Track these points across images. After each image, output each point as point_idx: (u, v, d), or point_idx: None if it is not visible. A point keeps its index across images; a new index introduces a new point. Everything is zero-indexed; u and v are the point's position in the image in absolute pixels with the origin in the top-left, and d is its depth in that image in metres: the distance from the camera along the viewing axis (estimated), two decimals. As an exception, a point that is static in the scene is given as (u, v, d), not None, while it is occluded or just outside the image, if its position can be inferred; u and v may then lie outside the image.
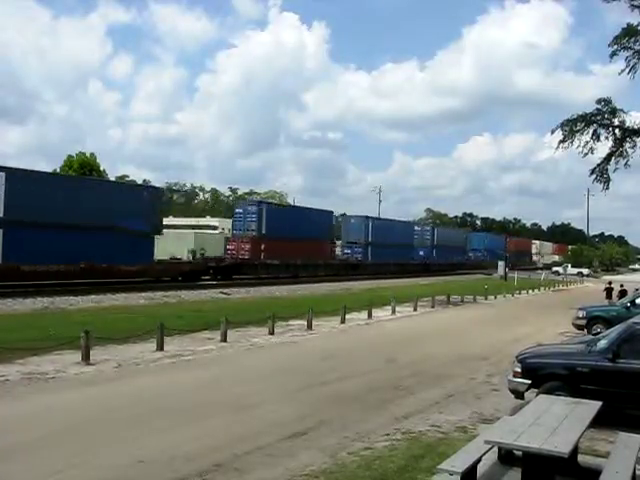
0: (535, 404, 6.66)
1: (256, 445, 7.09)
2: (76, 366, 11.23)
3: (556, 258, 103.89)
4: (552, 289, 46.34)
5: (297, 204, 64.83)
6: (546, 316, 24.32)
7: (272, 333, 16.20)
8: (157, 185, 58.85)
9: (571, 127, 29.75)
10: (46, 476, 6.00)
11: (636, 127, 29.30)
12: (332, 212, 50.98)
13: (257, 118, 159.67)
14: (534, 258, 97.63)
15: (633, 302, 18.37)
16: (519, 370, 8.89)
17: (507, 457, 6.16)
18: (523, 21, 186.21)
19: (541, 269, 78.02)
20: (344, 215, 63.84)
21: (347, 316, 19.83)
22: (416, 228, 63.34)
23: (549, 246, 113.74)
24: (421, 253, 59.69)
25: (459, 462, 5.18)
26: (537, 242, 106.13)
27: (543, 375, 8.66)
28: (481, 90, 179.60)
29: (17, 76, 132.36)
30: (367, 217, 52.67)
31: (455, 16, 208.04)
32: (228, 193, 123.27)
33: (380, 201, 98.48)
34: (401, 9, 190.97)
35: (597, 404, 6.38)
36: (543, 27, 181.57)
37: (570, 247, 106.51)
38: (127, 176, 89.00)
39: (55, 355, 11.91)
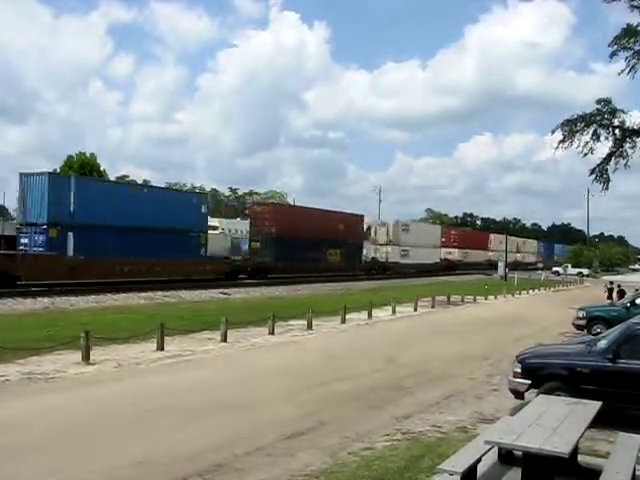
0: (535, 404, 6.67)
1: (256, 445, 7.09)
2: (76, 366, 11.24)
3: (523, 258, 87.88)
4: (552, 289, 46.37)
5: (297, 204, 64.64)
6: (546, 316, 24.33)
7: (272, 333, 16.20)
8: (157, 185, 58.76)
9: (571, 127, 29.71)
10: (46, 476, 6.00)
11: (636, 127, 29.28)
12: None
13: (257, 118, 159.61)
14: (489, 255, 76.69)
15: (633, 302, 18.38)
16: (519, 370, 8.90)
17: (507, 457, 6.16)
18: (525, 20, 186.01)
19: (541, 269, 78.09)
20: None
21: (347, 316, 19.84)
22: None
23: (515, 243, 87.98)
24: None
25: (459, 462, 5.18)
26: (495, 236, 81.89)
27: (543, 375, 8.66)
28: (482, 89, 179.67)
29: (17, 75, 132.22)
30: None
31: (457, 15, 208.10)
32: (228, 193, 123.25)
33: (380, 201, 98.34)
34: (403, 8, 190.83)
35: (597, 404, 6.38)
36: (546, 26, 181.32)
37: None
38: (127, 176, 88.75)
39: (55, 355, 11.92)
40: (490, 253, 77.14)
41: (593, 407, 6.29)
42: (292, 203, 73.85)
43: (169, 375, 11.08)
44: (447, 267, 62.35)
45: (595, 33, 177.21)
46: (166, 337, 13.53)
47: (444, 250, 65.14)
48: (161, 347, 13.12)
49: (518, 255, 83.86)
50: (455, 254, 67.87)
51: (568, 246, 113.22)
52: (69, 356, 11.82)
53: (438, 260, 61.75)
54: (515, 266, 69.26)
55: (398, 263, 51.90)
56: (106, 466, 6.30)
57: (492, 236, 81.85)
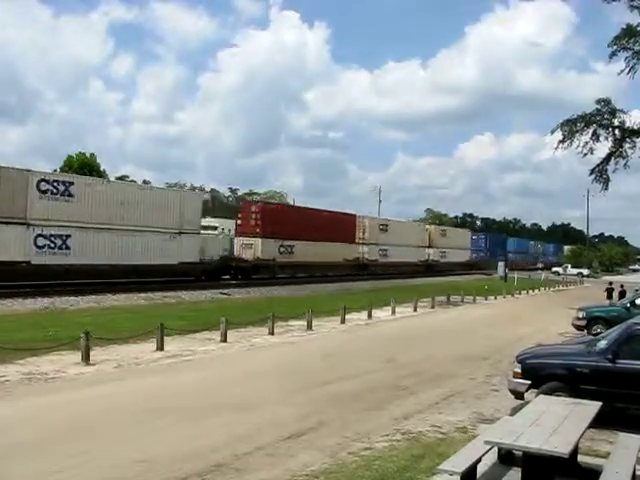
0: (535, 404, 6.67)
1: (256, 445, 7.09)
2: (76, 366, 11.24)
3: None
4: (552, 289, 46.37)
5: (297, 204, 64.50)
6: (546, 316, 24.33)
7: (272, 333, 16.20)
8: (158, 185, 58.75)
9: (571, 127, 29.72)
10: (46, 476, 6.00)
11: (636, 127, 29.28)
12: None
13: (258, 118, 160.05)
14: (359, 251, 46.38)
15: (633, 302, 18.38)
16: (519, 370, 8.89)
17: (507, 457, 6.16)
18: (527, 20, 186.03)
19: (541, 269, 78.08)
20: None
21: (347, 316, 19.84)
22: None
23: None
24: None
25: (459, 462, 5.18)
26: (371, 218, 50.89)
27: (543, 375, 8.65)
28: (483, 89, 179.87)
29: (17, 75, 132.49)
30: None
31: (458, 14, 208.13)
32: (228, 193, 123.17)
33: (380, 201, 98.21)
34: (403, 7, 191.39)
35: (597, 404, 6.39)
36: (547, 26, 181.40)
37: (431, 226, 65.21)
38: (127, 176, 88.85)
39: (55, 355, 11.91)
40: (362, 247, 46.78)
41: (593, 407, 6.29)
42: (292, 203, 73.80)
43: (169, 375, 11.07)
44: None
45: (596, 33, 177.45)
46: (166, 337, 13.53)
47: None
48: (161, 347, 13.12)
49: (432, 252, 58.95)
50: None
51: (550, 243, 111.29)
52: (69, 356, 11.82)
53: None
54: (427, 268, 55.96)
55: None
56: (106, 466, 6.30)
57: (365, 220, 47.90)
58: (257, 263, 35.84)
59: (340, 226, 43.41)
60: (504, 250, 74.24)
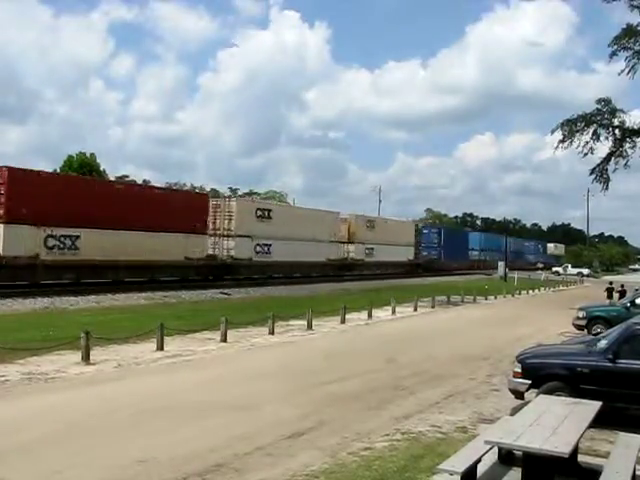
0: (535, 404, 6.67)
1: (256, 445, 7.09)
2: (76, 366, 11.24)
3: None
4: (552, 289, 46.38)
5: (297, 204, 64.46)
6: (546, 316, 24.32)
7: (272, 333, 16.20)
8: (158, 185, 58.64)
9: (571, 127, 29.75)
10: (46, 476, 5.99)
11: (636, 127, 29.30)
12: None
13: (258, 117, 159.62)
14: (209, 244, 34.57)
15: (633, 302, 18.38)
16: (519, 370, 8.89)
17: (507, 457, 6.16)
18: (527, 20, 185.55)
19: (541, 269, 78.01)
20: None
21: (347, 316, 19.84)
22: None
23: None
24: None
25: (459, 462, 5.18)
26: (242, 202, 37.36)
27: (543, 375, 8.65)
28: (484, 89, 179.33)
29: (17, 75, 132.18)
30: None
31: (459, 14, 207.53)
32: (228, 193, 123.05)
33: (380, 201, 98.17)
34: (404, 7, 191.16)
35: (597, 404, 6.38)
36: (547, 26, 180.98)
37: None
38: (127, 176, 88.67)
39: (55, 355, 11.91)
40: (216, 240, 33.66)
41: (593, 407, 6.29)
42: (292, 203, 73.83)
43: (169, 375, 11.07)
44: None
45: (597, 32, 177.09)
46: (166, 337, 13.53)
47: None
48: (161, 347, 13.11)
49: (352, 249, 45.47)
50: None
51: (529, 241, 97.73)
52: (69, 356, 11.82)
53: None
54: (341, 269, 44.21)
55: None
56: (106, 466, 6.29)
57: (232, 204, 34.96)
58: None
59: (180, 212, 29.55)
60: (466, 247, 66.47)
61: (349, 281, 40.54)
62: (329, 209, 45.89)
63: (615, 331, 9.29)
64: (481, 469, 5.71)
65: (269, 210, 37.45)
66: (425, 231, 61.86)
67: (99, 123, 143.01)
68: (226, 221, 33.76)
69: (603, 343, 8.81)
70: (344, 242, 44.57)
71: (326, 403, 9.25)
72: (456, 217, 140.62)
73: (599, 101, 29.92)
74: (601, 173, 30.92)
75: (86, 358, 11.53)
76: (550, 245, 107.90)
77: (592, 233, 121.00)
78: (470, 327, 20.38)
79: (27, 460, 6.41)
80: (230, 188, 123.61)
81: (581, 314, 18.52)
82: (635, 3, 28.06)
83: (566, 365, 8.65)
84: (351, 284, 38.09)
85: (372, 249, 46.64)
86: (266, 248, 35.84)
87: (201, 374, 11.28)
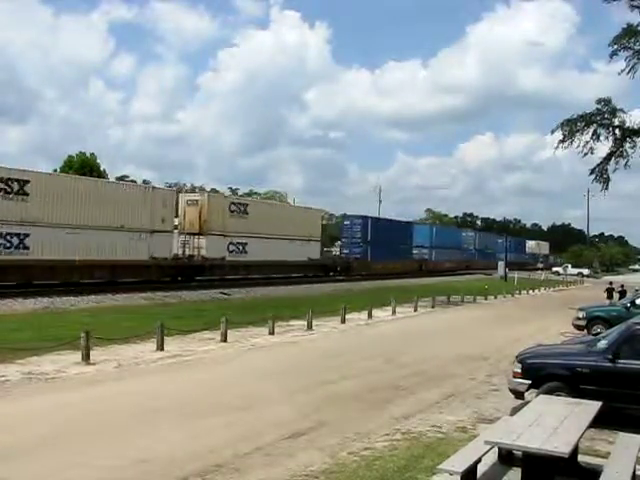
0: (535, 404, 6.67)
1: (256, 445, 7.09)
2: (76, 366, 11.24)
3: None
4: (552, 289, 46.39)
5: (297, 204, 64.38)
6: (546, 316, 24.33)
7: (272, 333, 16.20)
8: (157, 185, 58.65)
9: (571, 127, 29.74)
10: (46, 476, 6.00)
11: (636, 127, 29.29)
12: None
13: (258, 117, 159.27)
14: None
15: (633, 302, 18.38)
16: (519, 370, 8.89)
17: (507, 457, 6.16)
18: (528, 19, 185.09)
19: (541, 269, 77.97)
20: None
21: (347, 316, 19.84)
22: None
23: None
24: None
25: (459, 462, 5.18)
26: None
27: (543, 375, 8.65)
28: (484, 89, 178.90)
29: (18, 75, 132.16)
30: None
31: (459, 14, 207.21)
32: (228, 193, 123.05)
33: (380, 201, 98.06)
34: (404, 7, 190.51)
35: (597, 404, 6.38)
36: (548, 25, 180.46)
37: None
38: (127, 176, 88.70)
39: (55, 355, 11.91)
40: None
41: (593, 407, 6.29)
42: (292, 202, 73.79)
43: (169, 375, 11.08)
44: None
45: (597, 32, 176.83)
46: (166, 337, 13.53)
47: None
48: (161, 347, 13.12)
49: (203, 243, 32.31)
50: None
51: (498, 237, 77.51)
52: (69, 356, 11.82)
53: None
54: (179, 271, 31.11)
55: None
56: (106, 466, 6.30)
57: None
58: None
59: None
60: (410, 243, 53.60)
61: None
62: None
63: (615, 331, 9.29)
64: (481, 469, 5.71)
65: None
66: (346, 222, 48.01)
67: (99, 123, 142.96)
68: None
69: (603, 343, 8.81)
70: (192, 234, 31.96)
71: (326, 403, 9.26)
72: (456, 217, 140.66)
73: (599, 101, 29.91)
74: (601, 173, 30.90)
75: (86, 358, 11.53)
76: (530, 243, 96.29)
77: (592, 233, 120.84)
78: (470, 327, 20.38)
79: (27, 460, 6.40)
80: (230, 188, 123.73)
81: (581, 314, 18.51)
82: (635, 3, 28.05)
83: (566, 365, 8.66)
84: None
85: (244, 244, 34.18)
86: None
87: (201, 374, 11.29)
